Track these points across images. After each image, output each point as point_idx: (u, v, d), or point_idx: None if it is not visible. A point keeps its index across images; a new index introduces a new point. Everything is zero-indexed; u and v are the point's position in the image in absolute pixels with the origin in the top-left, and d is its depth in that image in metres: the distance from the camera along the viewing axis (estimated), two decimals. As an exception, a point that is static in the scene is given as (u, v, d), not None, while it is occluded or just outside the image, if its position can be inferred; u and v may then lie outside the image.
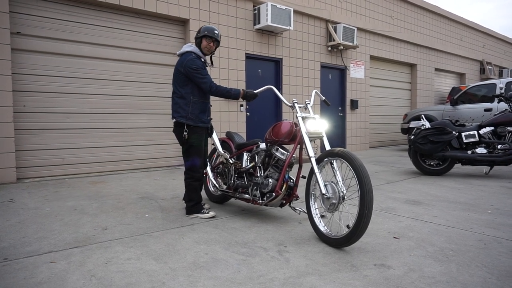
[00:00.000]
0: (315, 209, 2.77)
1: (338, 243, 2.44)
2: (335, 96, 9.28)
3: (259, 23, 7.19)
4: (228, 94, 3.19)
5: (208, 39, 3.26)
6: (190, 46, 3.27)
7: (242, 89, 3.23)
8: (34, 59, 5.16)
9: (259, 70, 7.66)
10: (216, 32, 3.28)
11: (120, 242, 2.62)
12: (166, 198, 4.02)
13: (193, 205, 3.28)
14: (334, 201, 2.51)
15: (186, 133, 3.17)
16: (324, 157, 2.66)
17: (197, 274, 2.09)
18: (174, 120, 3.24)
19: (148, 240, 2.65)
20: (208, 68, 3.29)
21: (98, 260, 2.28)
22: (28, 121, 5.12)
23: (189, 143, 3.21)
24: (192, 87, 3.19)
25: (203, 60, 3.29)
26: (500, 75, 15.27)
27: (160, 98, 6.33)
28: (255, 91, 3.24)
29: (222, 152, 3.65)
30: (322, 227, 2.66)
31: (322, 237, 2.61)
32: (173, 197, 4.07)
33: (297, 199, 3.06)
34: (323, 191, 2.56)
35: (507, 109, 5.34)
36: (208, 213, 3.27)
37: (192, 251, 2.44)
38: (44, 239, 2.67)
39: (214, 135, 3.76)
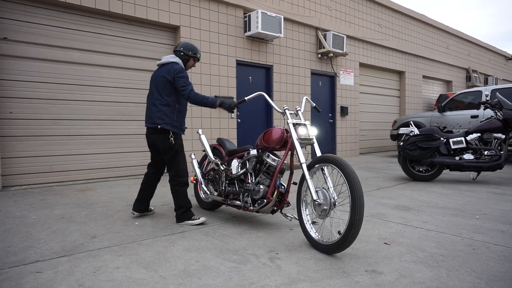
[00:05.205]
0: (307, 215, 2.77)
1: (330, 249, 2.44)
2: (325, 103, 9.35)
3: (249, 30, 7.23)
4: (205, 101, 3.21)
5: (196, 60, 3.52)
6: (174, 58, 3.37)
7: (219, 99, 3.22)
8: (22, 65, 5.08)
9: (250, 77, 7.69)
10: (199, 53, 3.56)
11: (109, 250, 2.57)
12: (156, 205, 3.98)
13: (183, 212, 3.27)
14: (325, 207, 2.51)
15: (172, 139, 3.23)
16: (315, 163, 2.67)
17: (188, 282, 2.06)
18: (158, 126, 3.24)
19: (138, 248, 2.61)
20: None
21: (87, 269, 2.23)
22: (15, 128, 5.04)
23: (175, 149, 3.28)
24: (177, 95, 3.29)
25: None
26: (486, 83, 15.61)
27: (150, 104, 6.29)
28: (246, 98, 3.25)
29: (213, 159, 3.63)
30: (313, 233, 2.66)
31: (314, 244, 2.60)
32: (163, 204, 4.03)
33: (288, 206, 3.05)
34: (314, 197, 2.56)
35: (492, 116, 5.45)
36: (198, 218, 3.26)
37: (183, 259, 2.41)
38: (30, 248, 2.61)
39: (205, 142, 3.77)
